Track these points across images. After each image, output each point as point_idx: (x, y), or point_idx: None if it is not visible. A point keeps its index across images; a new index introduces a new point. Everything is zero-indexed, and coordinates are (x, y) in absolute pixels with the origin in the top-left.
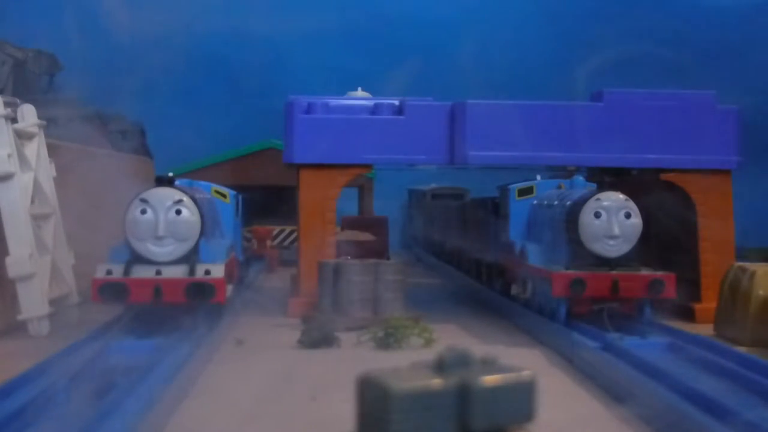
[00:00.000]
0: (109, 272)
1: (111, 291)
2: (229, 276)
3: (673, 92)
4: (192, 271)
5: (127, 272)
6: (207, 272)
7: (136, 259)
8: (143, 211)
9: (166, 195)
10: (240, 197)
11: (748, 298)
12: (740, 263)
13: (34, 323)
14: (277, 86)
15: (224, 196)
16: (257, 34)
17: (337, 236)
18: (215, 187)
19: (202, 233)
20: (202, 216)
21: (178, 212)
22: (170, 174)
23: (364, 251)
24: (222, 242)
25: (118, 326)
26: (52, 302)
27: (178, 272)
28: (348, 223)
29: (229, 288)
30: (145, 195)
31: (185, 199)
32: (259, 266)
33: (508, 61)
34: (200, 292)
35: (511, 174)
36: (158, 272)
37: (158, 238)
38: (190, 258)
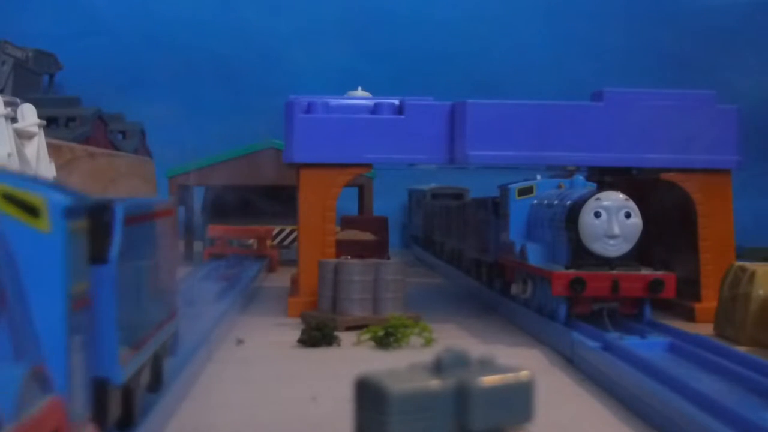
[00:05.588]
0: None
1: None
2: None
3: (673, 92)
4: None
5: None
6: None
7: None
8: None
9: None
10: (146, 206)
11: (748, 298)
12: (740, 263)
13: None
14: (277, 86)
15: (32, 210)
16: (257, 33)
17: (337, 236)
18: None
19: None
20: None
21: None
22: None
23: (364, 251)
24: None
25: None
26: None
27: None
28: (348, 223)
29: None
30: None
31: None
32: (259, 266)
33: (508, 61)
34: None
35: (511, 174)
36: None
37: None
38: None
